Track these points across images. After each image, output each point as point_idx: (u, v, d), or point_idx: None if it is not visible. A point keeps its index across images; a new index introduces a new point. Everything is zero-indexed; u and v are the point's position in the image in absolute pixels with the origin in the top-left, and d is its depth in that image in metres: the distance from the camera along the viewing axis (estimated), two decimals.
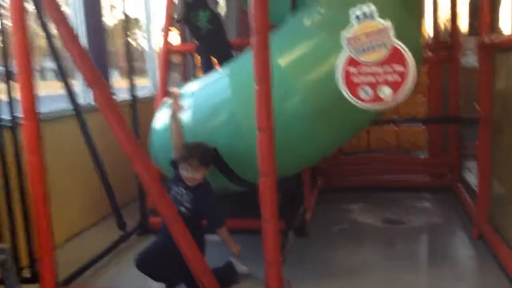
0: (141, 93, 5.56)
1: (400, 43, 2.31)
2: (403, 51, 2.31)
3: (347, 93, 2.42)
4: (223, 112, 3.07)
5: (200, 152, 2.85)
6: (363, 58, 2.36)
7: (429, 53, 4.94)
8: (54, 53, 3.60)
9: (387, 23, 2.30)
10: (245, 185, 3.23)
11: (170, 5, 4.73)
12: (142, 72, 6.67)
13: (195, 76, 5.31)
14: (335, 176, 4.81)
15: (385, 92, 2.36)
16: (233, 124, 3.00)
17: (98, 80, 2.66)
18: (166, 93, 4.59)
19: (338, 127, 2.94)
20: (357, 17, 2.34)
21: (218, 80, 3.32)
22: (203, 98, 3.29)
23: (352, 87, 2.40)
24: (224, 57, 4.02)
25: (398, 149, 5.10)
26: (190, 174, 2.81)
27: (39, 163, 2.83)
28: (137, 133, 4.27)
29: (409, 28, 3.09)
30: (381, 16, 2.44)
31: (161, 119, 3.55)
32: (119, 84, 5.20)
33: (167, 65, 4.77)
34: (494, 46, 3.26)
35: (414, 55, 2.47)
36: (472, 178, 4.87)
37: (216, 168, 3.08)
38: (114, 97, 5.00)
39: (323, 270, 3.24)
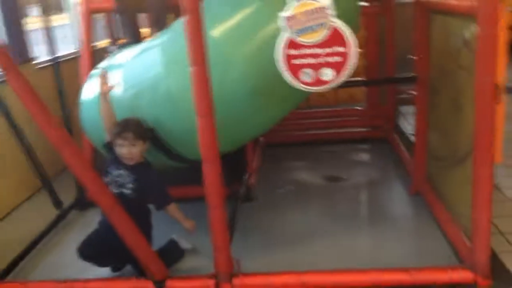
0: (64, 51, 5.19)
1: (339, 22, 2.22)
2: (343, 32, 2.23)
3: (288, 76, 2.33)
4: (158, 88, 2.89)
5: (133, 124, 2.74)
6: (302, 39, 2.26)
7: (365, 4, 4.87)
8: None
9: (325, 1, 2.19)
10: (184, 162, 3.14)
11: None
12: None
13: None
14: (276, 132, 4.80)
15: (328, 74, 2.30)
16: (169, 100, 2.84)
17: (10, 65, 2.39)
18: (91, 55, 4.30)
19: (281, 101, 2.87)
20: None
21: (151, 50, 3.11)
22: (135, 72, 3.08)
23: (294, 69, 2.31)
24: (159, 18, 3.78)
25: (337, 103, 5.13)
26: (127, 149, 2.70)
27: None
28: (63, 102, 4.02)
29: None
30: None
31: (89, 92, 3.32)
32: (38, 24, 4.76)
33: (89, 24, 4.42)
34: (430, 7, 3.24)
35: (350, 23, 2.39)
36: (407, 126, 5.05)
37: (154, 146, 2.96)
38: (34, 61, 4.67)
39: (270, 239, 3.28)
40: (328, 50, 2.26)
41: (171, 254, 3.02)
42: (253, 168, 4.19)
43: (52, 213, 3.78)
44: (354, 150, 5.06)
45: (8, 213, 4.09)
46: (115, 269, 2.97)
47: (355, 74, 4.95)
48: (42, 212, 3.85)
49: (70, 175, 3.87)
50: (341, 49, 2.25)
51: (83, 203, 3.91)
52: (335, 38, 2.24)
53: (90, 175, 2.49)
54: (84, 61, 4.22)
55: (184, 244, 3.13)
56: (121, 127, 2.71)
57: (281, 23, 2.26)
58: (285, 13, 2.24)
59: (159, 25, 3.80)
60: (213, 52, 2.67)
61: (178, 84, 2.78)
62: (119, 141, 2.70)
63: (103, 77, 2.79)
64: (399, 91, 5.22)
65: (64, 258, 3.22)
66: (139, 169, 2.78)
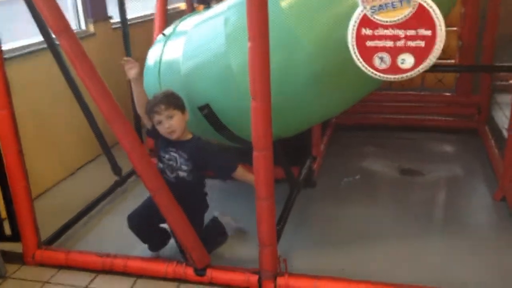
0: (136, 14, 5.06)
1: (429, 0, 1.82)
2: (431, 10, 1.83)
3: (359, 60, 1.98)
4: (217, 62, 2.64)
5: (162, 96, 2.52)
6: (379, 16, 1.88)
7: None
8: None
9: None
10: (240, 142, 2.91)
11: None
12: None
13: None
14: (350, 113, 4.40)
15: (406, 60, 1.91)
16: (228, 77, 2.60)
17: (66, 28, 2.25)
18: (165, 17, 4.14)
19: (349, 88, 2.53)
20: None
21: (215, 19, 2.85)
22: (196, 42, 2.84)
23: (366, 52, 1.95)
24: None
25: (423, 86, 4.61)
26: (166, 124, 2.50)
27: (8, 116, 2.56)
28: None
29: None
30: None
31: (151, 57, 3.14)
32: None
33: None
34: None
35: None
36: (502, 119, 4.44)
37: (208, 123, 2.76)
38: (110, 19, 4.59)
39: (324, 235, 2.99)
40: (410, 32, 1.87)
41: (213, 236, 2.81)
42: (318, 151, 3.87)
43: (112, 177, 3.75)
44: (438, 141, 4.55)
45: (73, 173, 4.14)
46: (154, 247, 2.82)
47: (447, 56, 4.54)
48: (103, 175, 3.83)
49: None
50: (426, 32, 1.86)
51: None
52: (420, 18, 1.85)
53: (137, 153, 2.34)
54: (158, 23, 4.08)
55: (232, 222, 2.92)
56: (150, 103, 2.52)
57: None
58: None
59: None
60: (279, 28, 2.38)
61: (239, 60, 2.51)
62: (155, 118, 2.51)
63: (129, 62, 2.57)
64: (496, 77, 4.61)
65: (112, 230, 3.17)
66: (189, 147, 2.58)
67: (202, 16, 3.05)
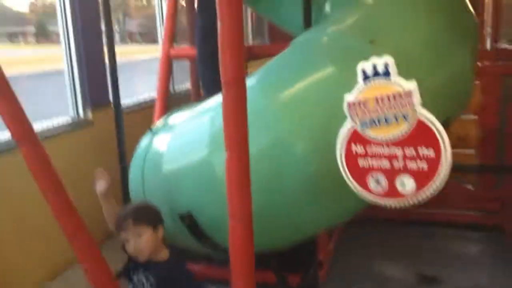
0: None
1: (429, 114, 1.53)
2: (433, 127, 1.54)
3: (350, 181, 1.68)
4: (201, 166, 2.38)
5: (132, 209, 2.16)
6: (372, 133, 1.60)
7: (485, 62, 4.04)
8: None
9: (409, 85, 1.52)
10: (226, 253, 2.57)
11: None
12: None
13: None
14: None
15: (405, 184, 1.60)
16: (213, 183, 2.32)
17: (28, 135, 2.03)
18: (165, 102, 4.00)
19: (350, 195, 2.21)
20: (364, 73, 1.57)
21: (203, 117, 2.63)
22: (181, 140, 2.61)
23: (358, 173, 1.65)
24: None
25: None
26: (132, 243, 2.09)
27: None
28: (122, 154, 3.63)
29: (455, 55, 2.31)
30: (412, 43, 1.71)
31: (139, 152, 2.89)
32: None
33: (168, 71, 4.13)
34: None
35: (463, 95, 1.72)
36: None
37: (190, 233, 2.45)
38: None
39: None
40: (408, 151, 1.58)
41: None
42: (325, 255, 3.48)
43: None
44: (459, 239, 4.10)
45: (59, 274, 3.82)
46: None
47: (467, 145, 4.22)
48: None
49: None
50: (428, 151, 1.56)
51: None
52: (420, 135, 1.55)
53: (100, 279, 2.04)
54: (158, 108, 3.94)
55: None
56: (119, 216, 2.16)
57: (345, 109, 1.64)
58: (350, 97, 1.61)
59: None
60: (267, 133, 2.14)
61: (224, 165, 2.24)
62: (122, 236, 2.13)
63: (98, 174, 2.30)
64: None
65: None
66: (160, 271, 2.15)
67: (192, 110, 2.84)
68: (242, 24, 1.74)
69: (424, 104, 1.54)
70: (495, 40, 4.47)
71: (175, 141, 2.60)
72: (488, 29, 4.96)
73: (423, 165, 1.57)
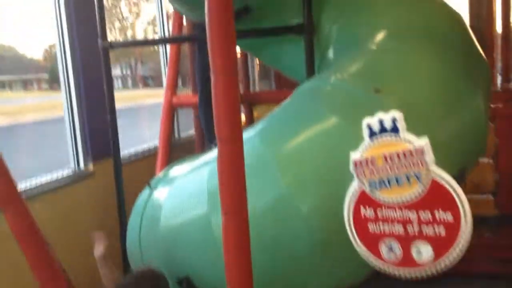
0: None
1: (444, 174, 1.38)
2: (450, 188, 1.38)
3: (360, 248, 1.51)
4: (198, 224, 2.23)
5: (133, 279, 2.03)
6: (382, 194, 1.44)
7: (498, 105, 3.89)
8: None
9: (421, 141, 1.38)
10: None
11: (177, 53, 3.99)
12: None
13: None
14: None
15: (422, 252, 1.43)
16: (211, 243, 2.16)
17: (15, 201, 1.90)
18: (168, 151, 3.89)
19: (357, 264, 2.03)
20: (370, 129, 1.43)
21: (201, 170, 2.49)
22: (180, 196, 2.46)
23: (369, 239, 1.49)
24: None
25: None
26: None
27: None
28: (122, 210, 3.47)
29: (468, 102, 2.17)
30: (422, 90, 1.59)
31: (136, 208, 2.75)
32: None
33: (171, 119, 4.04)
34: None
35: (478, 143, 1.56)
36: None
37: None
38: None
39: None
40: (424, 215, 1.41)
41: None
42: None
43: None
44: None
45: None
46: None
47: (483, 191, 4.02)
48: None
49: None
50: (445, 215, 1.39)
51: None
52: (436, 197, 1.39)
53: None
54: (161, 158, 3.82)
55: None
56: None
57: (351, 168, 1.49)
58: (356, 155, 1.46)
59: None
60: (272, 194, 2.00)
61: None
62: None
63: (97, 237, 2.18)
64: None
65: None
66: None
67: (192, 163, 2.71)
68: (237, 78, 1.63)
69: (437, 158, 1.39)
70: (506, 80, 4.34)
71: (173, 197, 2.45)
72: (498, 69, 4.86)
73: (441, 231, 1.40)
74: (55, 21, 3.63)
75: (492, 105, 3.63)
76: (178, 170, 2.74)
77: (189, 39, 3.97)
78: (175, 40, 4.05)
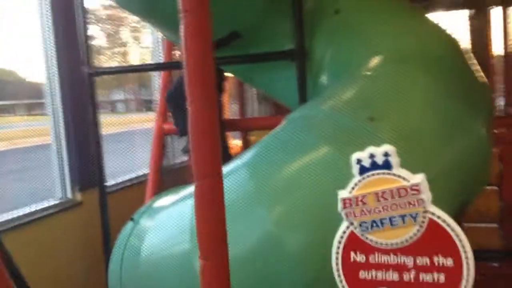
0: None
1: (443, 214, 1.23)
2: (449, 230, 1.23)
3: None
4: (180, 262, 2.07)
5: None
6: (374, 237, 1.30)
7: (501, 130, 3.76)
8: None
9: (416, 178, 1.24)
10: None
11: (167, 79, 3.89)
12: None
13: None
14: None
15: None
16: (191, 278, 2.00)
17: None
18: (158, 179, 3.76)
19: None
20: (360, 164, 1.29)
21: (184, 203, 2.34)
22: (165, 229, 2.31)
23: (360, 287, 1.33)
24: None
25: None
26: None
27: None
28: (108, 243, 3.28)
29: (469, 129, 2.04)
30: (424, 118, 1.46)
31: (118, 243, 2.59)
32: None
33: (160, 147, 3.92)
34: None
35: (480, 172, 1.43)
36: None
37: None
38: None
39: None
40: (421, 260, 1.26)
41: None
42: None
43: None
44: None
45: None
46: None
47: (488, 220, 3.86)
48: None
49: None
50: (445, 260, 1.24)
51: None
52: (434, 240, 1.24)
53: None
54: (150, 186, 3.69)
55: None
56: None
57: (339, 208, 1.34)
58: (343, 193, 1.32)
59: None
60: (257, 218, 1.85)
61: None
62: None
63: None
64: None
65: None
66: None
67: (177, 194, 2.57)
68: (216, 107, 1.50)
69: (436, 192, 1.24)
70: (509, 104, 4.22)
71: (155, 232, 2.31)
72: (500, 93, 4.75)
73: (440, 277, 1.24)
74: (42, 47, 3.55)
75: (495, 131, 3.50)
76: (162, 202, 2.60)
77: (177, 66, 3.88)
78: (162, 67, 3.95)
